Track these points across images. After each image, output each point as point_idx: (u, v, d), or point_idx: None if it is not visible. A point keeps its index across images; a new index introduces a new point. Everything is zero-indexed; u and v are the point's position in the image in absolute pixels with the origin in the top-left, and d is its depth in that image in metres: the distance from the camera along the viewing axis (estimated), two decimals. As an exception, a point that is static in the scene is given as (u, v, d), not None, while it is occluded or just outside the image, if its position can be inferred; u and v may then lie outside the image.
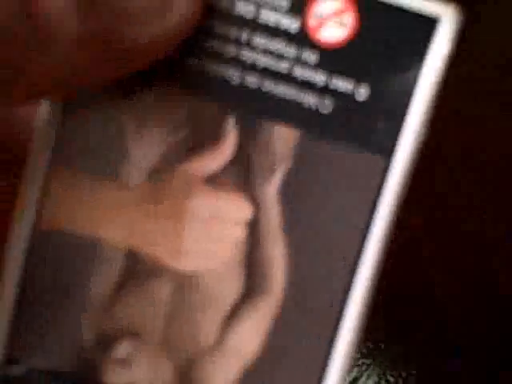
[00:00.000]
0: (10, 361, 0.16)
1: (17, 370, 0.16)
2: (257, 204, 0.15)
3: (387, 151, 0.14)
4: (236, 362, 0.15)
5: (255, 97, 0.15)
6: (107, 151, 0.15)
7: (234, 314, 0.15)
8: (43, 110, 0.15)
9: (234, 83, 0.15)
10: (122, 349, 0.16)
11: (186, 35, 0.14)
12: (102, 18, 0.12)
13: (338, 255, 0.15)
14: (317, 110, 0.15)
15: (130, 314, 0.16)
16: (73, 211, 0.15)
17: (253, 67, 0.15)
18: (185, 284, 0.15)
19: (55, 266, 0.15)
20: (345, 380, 0.15)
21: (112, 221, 0.15)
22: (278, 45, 0.15)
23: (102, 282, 0.16)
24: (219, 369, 0.16)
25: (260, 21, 0.15)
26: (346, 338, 0.15)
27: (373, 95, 0.14)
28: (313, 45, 0.14)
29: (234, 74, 0.15)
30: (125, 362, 0.16)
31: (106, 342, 0.16)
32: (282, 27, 0.14)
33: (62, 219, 0.15)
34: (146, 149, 0.15)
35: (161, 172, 0.15)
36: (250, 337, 0.15)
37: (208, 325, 0.15)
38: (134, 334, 0.16)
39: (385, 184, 0.15)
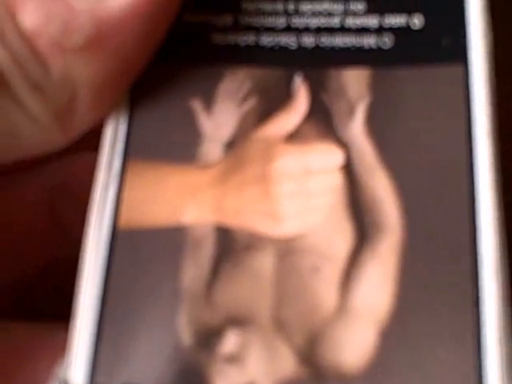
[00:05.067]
0: (95, 386, 0.13)
1: (104, 396, 0.13)
2: (345, 145, 0.14)
3: (461, 57, 0.14)
4: (368, 323, 0.13)
5: (316, 54, 0.15)
6: (180, 135, 0.14)
7: (353, 266, 0.13)
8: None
9: (292, 48, 0.15)
10: (229, 342, 0.13)
11: None
12: None
13: (451, 172, 0.13)
14: (379, 48, 0.15)
15: (232, 298, 0.13)
16: (154, 203, 0.14)
17: (306, 30, 0.15)
18: (289, 250, 0.13)
19: (141, 266, 0.13)
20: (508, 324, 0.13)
21: (196, 203, 0.14)
22: (324, 5, 0.15)
23: (194, 269, 0.13)
24: (349, 337, 0.13)
25: None
26: (492, 264, 0.13)
27: (428, 21, 0.15)
28: None
29: (290, 41, 0.15)
30: (234, 359, 0.13)
31: (208, 338, 0.13)
32: None
33: (143, 214, 0.14)
34: (218, 124, 0.14)
35: (238, 143, 0.14)
36: (377, 288, 0.13)
37: (325, 288, 0.13)
38: (239, 322, 0.13)
39: (471, 90, 0.14)
